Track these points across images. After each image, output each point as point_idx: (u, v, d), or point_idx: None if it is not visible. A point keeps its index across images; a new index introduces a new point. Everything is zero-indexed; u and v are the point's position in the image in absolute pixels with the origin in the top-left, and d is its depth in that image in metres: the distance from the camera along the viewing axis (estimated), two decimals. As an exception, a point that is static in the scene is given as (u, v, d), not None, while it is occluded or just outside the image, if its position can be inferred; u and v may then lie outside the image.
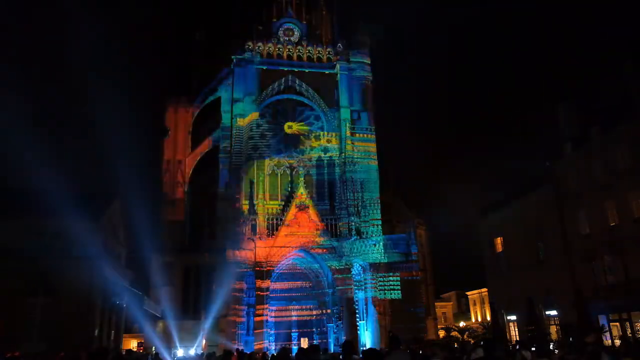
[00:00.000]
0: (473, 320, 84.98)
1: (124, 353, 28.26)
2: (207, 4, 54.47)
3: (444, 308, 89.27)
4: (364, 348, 33.69)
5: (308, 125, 50.85)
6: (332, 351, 35.45)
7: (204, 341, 43.17)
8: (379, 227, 48.46)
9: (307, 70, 51.77)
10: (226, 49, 50.95)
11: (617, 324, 35.73)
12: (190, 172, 50.93)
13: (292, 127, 50.28)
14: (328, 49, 52.84)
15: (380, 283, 45.60)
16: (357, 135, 50.20)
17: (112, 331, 42.38)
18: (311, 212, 43.97)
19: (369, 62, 53.42)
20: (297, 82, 51.40)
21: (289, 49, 52.11)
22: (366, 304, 43.43)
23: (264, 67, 51.05)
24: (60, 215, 36.60)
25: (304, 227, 43.37)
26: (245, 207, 44.83)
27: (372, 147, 50.76)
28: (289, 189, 46.44)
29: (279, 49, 51.94)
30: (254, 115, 49.46)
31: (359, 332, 42.10)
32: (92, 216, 38.85)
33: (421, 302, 51.81)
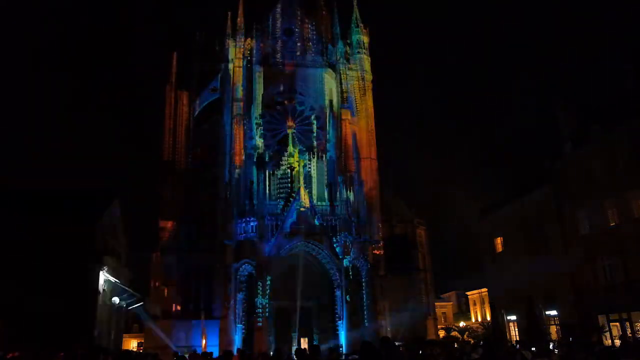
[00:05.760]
0: (473, 320, 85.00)
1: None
2: (207, 3, 54.50)
3: (444, 308, 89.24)
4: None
5: (308, 125, 50.85)
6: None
7: (203, 341, 43.14)
8: (379, 227, 48.46)
9: (307, 70, 51.79)
10: (226, 48, 50.95)
11: (617, 324, 35.67)
12: (191, 171, 50.87)
13: (292, 127, 50.26)
14: (328, 49, 52.85)
15: (381, 283, 45.60)
16: (358, 134, 50.20)
17: (112, 331, 42.38)
18: (311, 212, 43.92)
19: (369, 62, 53.46)
20: (297, 81, 51.41)
21: (289, 48, 52.09)
22: (366, 304, 43.35)
23: (264, 67, 51.05)
24: (60, 214, 36.64)
25: (303, 227, 43.28)
26: (246, 207, 44.79)
27: (373, 147, 50.82)
28: (289, 188, 46.36)
29: (279, 49, 51.93)
30: (255, 114, 49.47)
31: (358, 332, 41.99)
32: (92, 216, 38.88)
33: (421, 302, 51.87)
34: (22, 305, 32.94)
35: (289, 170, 48.03)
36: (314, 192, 47.62)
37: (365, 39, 54.08)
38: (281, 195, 46.57)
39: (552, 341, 34.83)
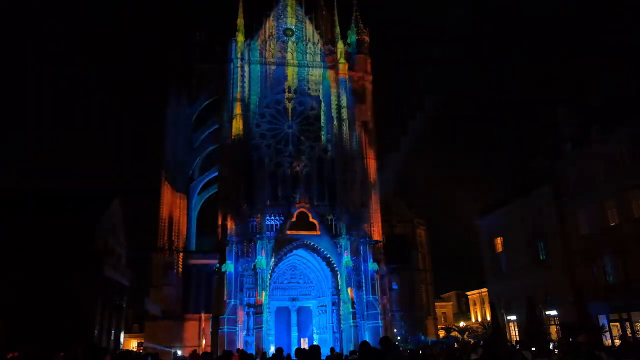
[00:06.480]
0: (473, 320, 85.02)
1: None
2: (207, 3, 54.52)
3: (444, 308, 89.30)
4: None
5: (308, 125, 50.79)
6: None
7: (204, 341, 43.15)
8: (379, 227, 48.44)
9: (307, 70, 51.71)
10: (226, 48, 50.93)
11: (617, 324, 35.68)
12: (191, 171, 50.91)
13: (292, 127, 50.26)
14: (328, 49, 52.79)
15: (380, 283, 45.60)
16: (358, 134, 50.20)
17: (112, 331, 42.37)
18: (311, 212, 43.89)
19: (369, 62, 53.45)
20: (297, 81, 51.34)
21: (289, 48, 52.04)
22: (366, 304, 43.35)
23: (264, 67, 50.98)
24: (60, 214, 36.64)
25: (304, 227, 43.26)
26: (246, 208, 44.77)
27: (373, 147, 50.80)
28: (289, 188, 46.33)
29: (279, 49, 51.87)
30: (254, 115, 49.43)
31: (359, 332, 42.01)
32: (92, 216, 38.88)
33: (421, 302, 51.88)
34: (22, 305, 32.95)
35: (289, 170, 48.02)
36: (314, 191, 47.60)
37: (366, 39, 54.08)
38: (281, 195, 46.54)
39: (552, 341, 34.84)
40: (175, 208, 48.43)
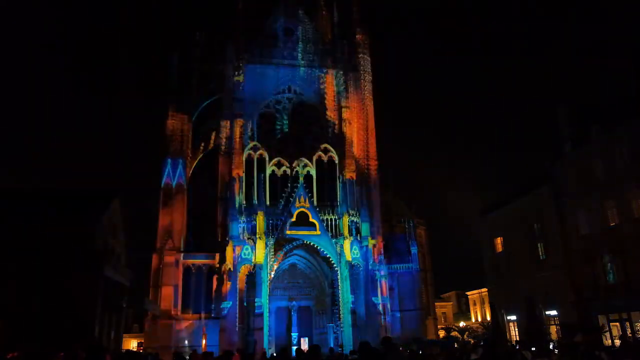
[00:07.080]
0: (473, 320, 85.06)
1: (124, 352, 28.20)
2: (207, 3, 54.50)
3: (444, 308, 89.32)
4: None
5: (308, 125, 50.77)
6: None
7: (203, 341, 43.14)
8: (379, 227, 48.43)
9: (307, 70, 51.67)
10: (226, 49, 50.90)
11: (617, 324, 35.66)
12: (191, 172, 50.88)
13: (292, 127, 50.23)
14: (328, 49, 52.74)
15: (380, 283, 45.59)
16: (358, 134, 50.16)
17: (112, 331, 42.31)
18: (311, 212, 43.89)
19: (369, 62, 53.40)
20: (296, 82, 51.31)
21: (289, 48, 52.01)
22: (366, 304, 43.36)
23: (264, 67, 50.95)
24: (60, 214, 36.61)
25: (304, 227, 43.27)
26: (245, 207, 44.78)
27: (373, 147, 50.77)
28: (289, 189, 46.34)
29: (278, 50, 51.84)
30: (254, 115, 49.39)
31: (359, 332, 42.02)
32: (92, 216, 38.83)
33: (421, 302, 51.83)
34: (22, 305, 32.90)
35: (289, 171, 48.02)
36: (314, 192, 47.59)
37: (366, 39, 54.01)
38: (281, 195, 46.53)
39: (552, 341, 34.82)
40: (176, 208, 48.46)
